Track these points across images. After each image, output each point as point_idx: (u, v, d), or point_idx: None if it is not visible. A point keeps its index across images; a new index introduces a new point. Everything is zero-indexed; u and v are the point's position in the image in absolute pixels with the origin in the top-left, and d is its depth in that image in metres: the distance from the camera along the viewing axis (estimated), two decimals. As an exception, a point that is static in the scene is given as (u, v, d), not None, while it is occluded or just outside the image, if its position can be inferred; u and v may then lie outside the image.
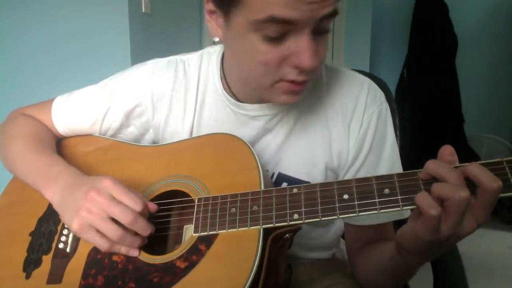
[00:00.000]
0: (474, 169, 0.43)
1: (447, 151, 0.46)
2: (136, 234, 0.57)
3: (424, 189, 0.46)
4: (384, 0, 2.94)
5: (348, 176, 0.68)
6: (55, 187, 0.61)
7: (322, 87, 0.69)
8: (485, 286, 1.78)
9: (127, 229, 0.56)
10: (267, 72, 0.56)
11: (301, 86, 0.57)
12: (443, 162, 0.45)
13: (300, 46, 0.52)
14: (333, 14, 0.52)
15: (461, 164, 0.46)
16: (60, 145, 0.76)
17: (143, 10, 1.67)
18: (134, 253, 0.58)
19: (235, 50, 0.60)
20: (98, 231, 0.56)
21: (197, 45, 2.40)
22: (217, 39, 0.61)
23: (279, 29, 0.51)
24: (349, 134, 0.67)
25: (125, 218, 0.55)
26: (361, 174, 0.67)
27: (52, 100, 0.76)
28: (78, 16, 1.56)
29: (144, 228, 0.57)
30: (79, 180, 0.60)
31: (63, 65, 1.57)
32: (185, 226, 0.63)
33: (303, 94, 0.61)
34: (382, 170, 0.67)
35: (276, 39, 0.52)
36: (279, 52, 0.53)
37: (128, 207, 0.55)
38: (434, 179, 0.45)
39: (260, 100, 0.66)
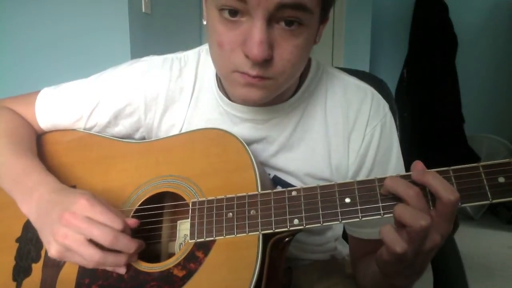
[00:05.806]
0: (433, 181, 0.43)
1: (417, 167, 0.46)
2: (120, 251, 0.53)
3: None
4: (384, 0, 2.94)
5: None
6: (31, 202, 0.56)
7: (323, 94, 0.66)
8: (485, 286, 1.78)
9: (109, 250, 0.52)
10: (223, 57, 0.53)
11: (256, 80, 0.52)
12: (400, 179, 0.45)
13: (249, 31, 0.49)
14: (296, 6, 0.47)
15: (421, 171, 0.45)
16: (40, 141, 0.70)
17: (143, 10, 1.67)
18: (120, 270, 0.54)
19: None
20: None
21: (197, 45, 2.38)
22: None
23: (233, 8, 0.49)
24: (349, 146, 0.64)
25: (105, 239, 0.50)
26: None
27: (36, 92, 0.71)
28: (78, 15, 1.56)
29: (128, 246, 0.52)
30: (55, 197, 0.55)
31: (63, 65, 1.57)
32: (178, 222, 0.61)
33: (265, 92, 0.55)
34: None
35: (232, 21, 0.50)
36: (233, 35, 0.50)
37: (107, 226, 0.51)
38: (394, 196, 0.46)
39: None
